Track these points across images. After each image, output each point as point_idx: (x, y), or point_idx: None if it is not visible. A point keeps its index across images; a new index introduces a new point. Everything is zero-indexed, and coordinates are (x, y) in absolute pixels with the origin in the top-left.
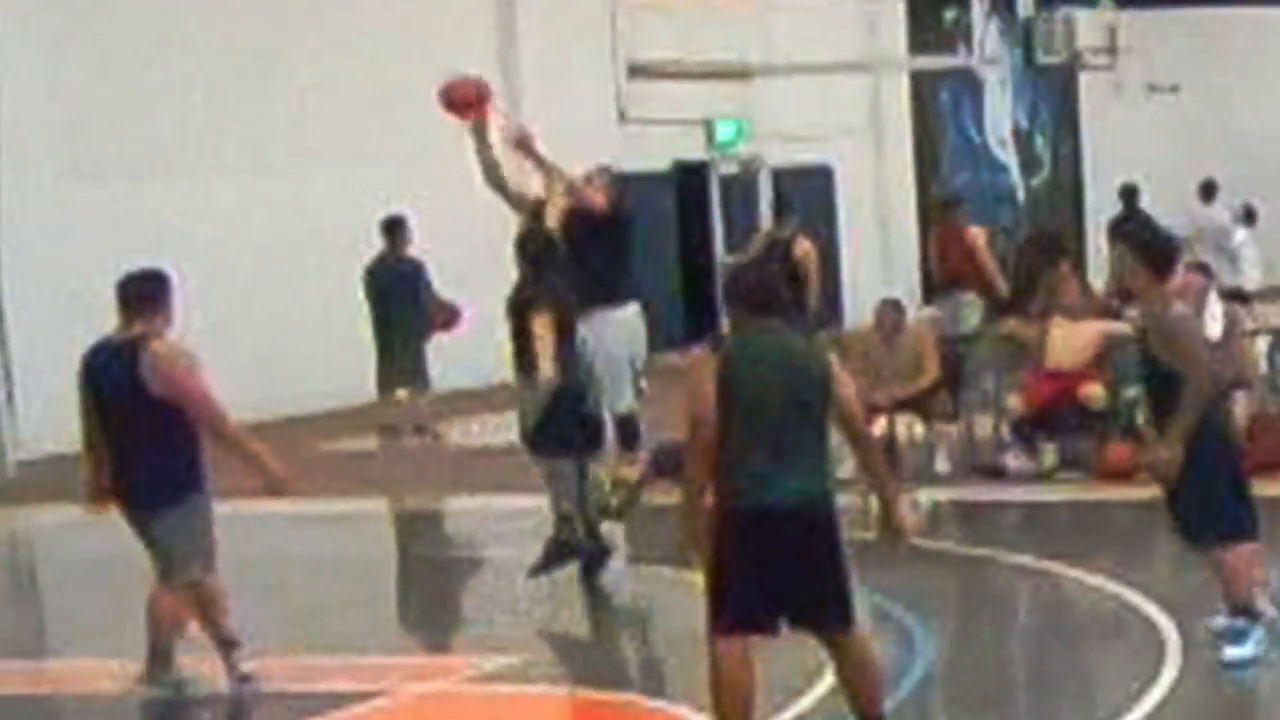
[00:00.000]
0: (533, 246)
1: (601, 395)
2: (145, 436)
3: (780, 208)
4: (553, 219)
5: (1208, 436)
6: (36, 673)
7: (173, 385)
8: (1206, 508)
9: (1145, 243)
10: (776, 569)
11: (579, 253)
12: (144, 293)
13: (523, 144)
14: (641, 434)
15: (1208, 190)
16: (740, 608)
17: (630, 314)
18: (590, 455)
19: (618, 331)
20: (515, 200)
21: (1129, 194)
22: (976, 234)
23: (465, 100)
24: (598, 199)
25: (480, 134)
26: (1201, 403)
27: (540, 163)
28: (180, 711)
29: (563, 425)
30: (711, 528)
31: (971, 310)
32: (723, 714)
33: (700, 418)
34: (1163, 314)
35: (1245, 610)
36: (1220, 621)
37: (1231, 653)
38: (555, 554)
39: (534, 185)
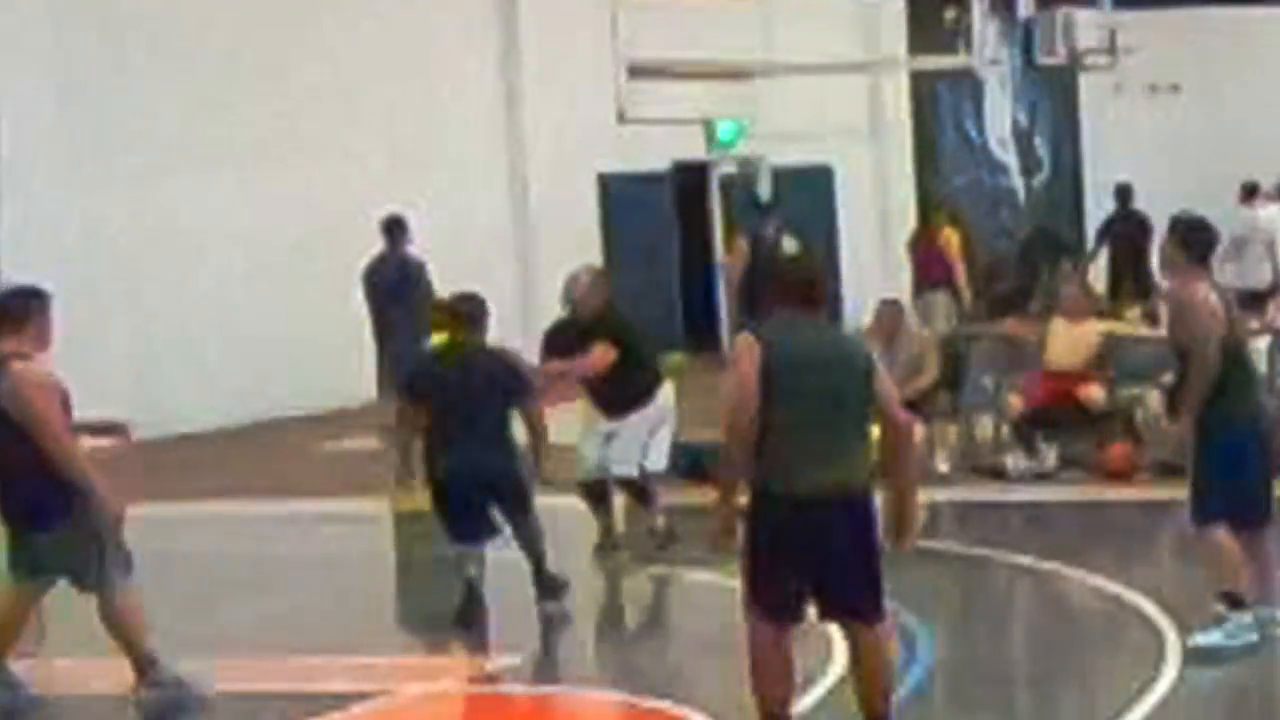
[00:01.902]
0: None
1: (610, 462)
2: (16, 455)
3: (763, 206)
4: None
5: (1235, 422)
6: (36, 673)
7: (23, 410)
8: (1213, 490)
9: (1186, 229)
10: (809, 557)
11: (598, 379)
12: (14, 310)
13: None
14: (656, 497)
15: (1250, 192)
16: (771, 595)
17: (660, 402)
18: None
19: (648, 415)
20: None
21: (1123, 193)
22: (948, 235)
23: None
24: (599, 362)
25: None
26: (1207, 378)
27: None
28: (179, 712)
29: (448, 518)
30: (747, 515)
31: (936, 310)
32: (759, 698)
33: (741, 406)
34: (1181, 293)
35: (1230, 596)
36: (1216, 608)
37: (1198, 639)
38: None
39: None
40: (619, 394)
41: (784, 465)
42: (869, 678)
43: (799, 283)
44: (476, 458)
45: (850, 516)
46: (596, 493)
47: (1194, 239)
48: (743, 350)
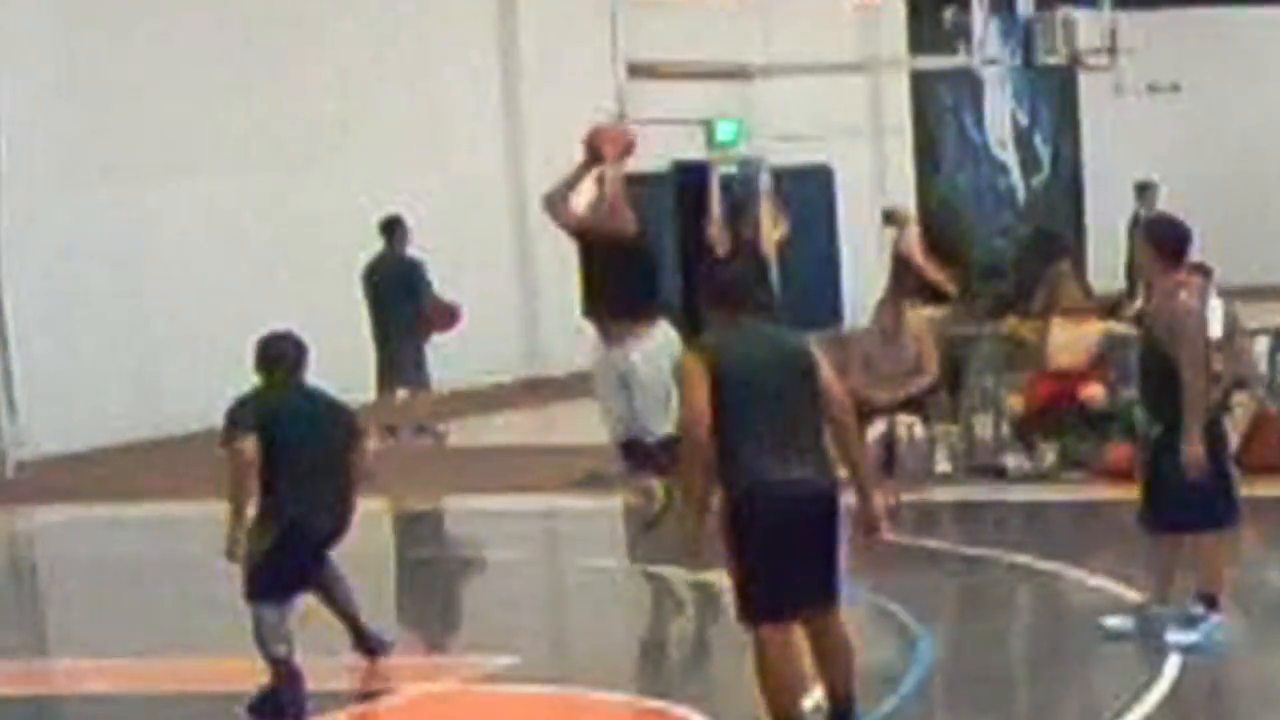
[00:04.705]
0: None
1: (642, 420)
2: None
3: (738, 206)
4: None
5: (1212, 431)
6: (36, 673)
7: None
8: (1199, 497)
9: (1157, 230)
10: (795, 556)
11: (606, 274)
12: None
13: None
14: None
15: None
16: (770, 594)
17: (662, 333)
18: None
19: (653, 354)
20: (561, 218)
21: (1141, 191)
22: (909, 237)
23: (616, 145)
24: (629, 222)
25: (586, 171)
26: (1201, 393)
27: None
28: (182, 712)
29: (282, 570)
30: (722, 523)
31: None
32: (771, 701)
33: (693, 419)
34: (1170, 301)
35: (1208, 598)
36: (1194, 608)
37: (1175, 637)
38: (270, 705)
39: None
40: (621, 294)
41: (752, 469)
42: (837, 663)
43: (726, 289)
44: (331, 502)
45: (823, 512)
46: (638, 453)
47: (1166, 240)
48: (689, 370)
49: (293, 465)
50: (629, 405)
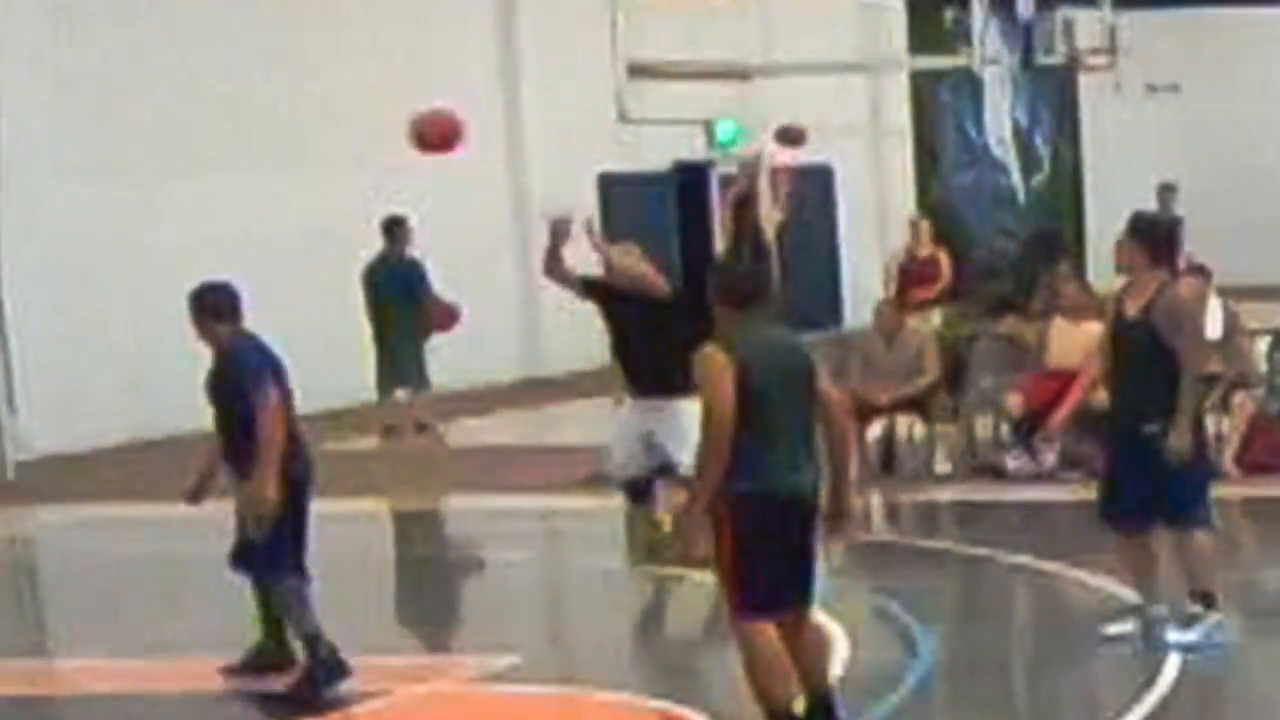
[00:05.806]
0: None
1: (668, 458)
2: None
3: (740, 199)
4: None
5: (1197, 429)
6: (36, 673)
7: None
8: (1188, 493)
9: (1146, 226)
10: (791, 553)
11: (643, 346)
12: None
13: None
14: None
15: None
16: (766, 591)
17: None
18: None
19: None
20: (575, 288)
21: (1162, 191)
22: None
23: (440, 137)
24: (660, 285)
25: (559, 241)
26: (1198, 388)
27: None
28: (182, 712)
29: (298, 532)
30: (720, 520)
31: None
32: (767, 695)
33: (720, 404)
34: (1169, 293)
35: (1205, 596)
36: (1191, 608)
37: (1175, 637)
38: (318, 678)
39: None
40: (658, 368)
41: (761, 466)
42: (816, 658)
43: (741, 288)
44: (307, 450)
45: (812, 511)
46: (639, 489)
47: (1153, 236)
48: (715, 362)
49: (290, 415)
50: (646, 452)
